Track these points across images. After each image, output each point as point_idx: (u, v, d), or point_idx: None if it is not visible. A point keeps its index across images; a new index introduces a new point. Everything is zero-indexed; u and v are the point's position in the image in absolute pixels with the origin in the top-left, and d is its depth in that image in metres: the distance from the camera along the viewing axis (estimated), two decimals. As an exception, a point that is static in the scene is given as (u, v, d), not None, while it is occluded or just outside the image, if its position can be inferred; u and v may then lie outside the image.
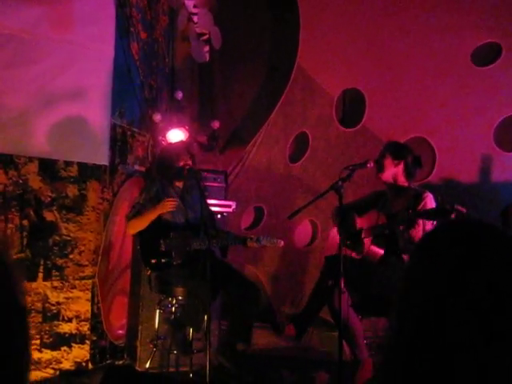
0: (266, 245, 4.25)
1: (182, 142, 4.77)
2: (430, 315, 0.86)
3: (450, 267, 0.87)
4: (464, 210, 3.33)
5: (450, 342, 0.83)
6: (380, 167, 4.04)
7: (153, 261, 4.05)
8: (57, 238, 4.33)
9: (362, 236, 3.96)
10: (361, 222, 4.08)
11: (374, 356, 3.92)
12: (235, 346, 4.04)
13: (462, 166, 5.23)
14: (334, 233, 4.17)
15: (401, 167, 4.04)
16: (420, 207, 3.84)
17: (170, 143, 4.81)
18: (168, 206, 4.02)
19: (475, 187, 5.16)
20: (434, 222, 3.66)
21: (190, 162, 4.17)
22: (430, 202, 3.89)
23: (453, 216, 3.31)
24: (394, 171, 4.04)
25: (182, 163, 4.16)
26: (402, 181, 4.05)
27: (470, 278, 0.85)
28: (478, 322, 0.82)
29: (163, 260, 4.03)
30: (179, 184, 4.27)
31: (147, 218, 4.03)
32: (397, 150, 4.08)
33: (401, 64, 5.38)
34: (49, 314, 4.27)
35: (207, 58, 5.75)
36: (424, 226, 3.70)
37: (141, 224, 4.05)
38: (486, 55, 5.16)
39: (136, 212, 4.07)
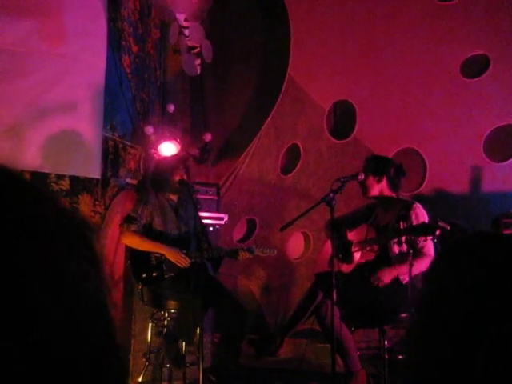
0: (260, 254, 4.22)
1: (177, 155, 4.76)
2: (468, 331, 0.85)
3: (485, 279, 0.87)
4: (447, 227, 3.36)
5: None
6: (364, 189, 4.06)
7: (143, 275, 4.04)
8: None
9: (352, 250, 3.97)
10: (351, 236, 4.09)
11: (366, 367, 3.93)
12: (225, 367, 4.01)
13: (452, 176, 5.26)
14: (326, 249, 4.18)
15: (384, 182, 4.03)
16: (412, 219, 3.85)
17: (165, 156, 4.80)
18: (177, 260, 3.98)
19: (466, 198, 5.19)
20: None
21: (185, 176, 4.17)
22: (419, 211, 3.90)
23: (438, 232, 3.35)
24: (378, 187, 4.04)
25: (177, 177, 4.15)
26: (389, 193, 4.06)
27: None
28: None
29: (154, 274, 4.02)
30: (174, 197, 4.26)
31: (148, 246, 4.02)
32: (376, 166, 4.06)
33: (391, 76, 5.43)
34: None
35: (198, 71, 5.77)
36: (410, 241, 3.74)
37: (139, 245, 4.03)
38: (475, 67, 5.21)
39: (137, 228, 4.03)
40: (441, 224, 3.34)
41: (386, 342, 3.72)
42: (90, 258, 0.64)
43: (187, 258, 3.98)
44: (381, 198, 4.06)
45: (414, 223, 3.80)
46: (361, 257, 3.93)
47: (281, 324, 5.62)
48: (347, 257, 4.00)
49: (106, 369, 0.62)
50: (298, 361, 4.59)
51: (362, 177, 3.90)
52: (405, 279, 3.83)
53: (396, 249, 3.78)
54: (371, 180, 4.03)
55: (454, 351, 0.85)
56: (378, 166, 4.08)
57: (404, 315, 3.81)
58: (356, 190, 4.39)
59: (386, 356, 3.68)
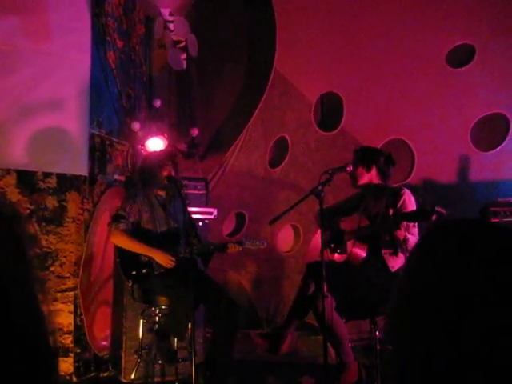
0: (250, 247, 4.21)
1: (165, 150, 4.73)
2: (451, 316, 0.86)
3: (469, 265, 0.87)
4: (444, 212, 3.37)
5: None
6: (353, 179, 4.08)
7: (133, 272, 4.02)
8: (37, 250, 4.28)
9: (345, 238, 3.98)
10: (343, 225, 4.10)
11: (358, 359, 3.94)
12: (219, 361, 4.01)
13: (440, 166, 5.29)
14: (317, 239, 4.18)
15: (374, 171, 4.07)
16: (400, 204, 3.88)
17: (153, 152, 4.77)
18: (165, 262, 3.97)
19: (453, 187, 5.22)
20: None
21: (173, 172, 4.14)
22: (408, 197, 3.93)
23: (433, 217, 3.35)
24: (367, 177, 4.07)
25: (165, 172, 4.13)
26: (378, 182, 4.09)
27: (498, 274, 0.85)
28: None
29: (144, 270, 4.00)
30: (162, 193, 4.24)
31: (137, 247, 3.99)
32: (366, 157, 4.09)
33: (377, 67, 5.43)
34: (31, 328, 4.22)
35: (184, 66, 5.73)
36: (407, 227, 3.74)
37: (128, 246, 4.00)
38: (461, 56, 5.23)
39: (126, 226, 4.00)
40: (438, 209, 3.35)
41: (377, 333, 3.73)
42: (16, 251, 0.67)
43: (174, 259, 3.97)
44: (369, 187, 4.08)
45: (403, 209, 3.83)
46: (353, 247, 3.94)
47: (272, 318, 5.65)
48: (340, 246, 4.01)
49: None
50: (290, 353, 4.60)
51: (350, 168, 3.91)
52: (393, 267, 3.86)
53: (401, 233, 3.77)
54: (360, 170, 4.05)
55: (440, 335, 0.86)
56: (367, 156, 4.10)
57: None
58: (345, 181, 4.40)
59: (378, 347, 3.70)
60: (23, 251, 0.72)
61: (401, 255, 3.84)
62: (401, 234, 3.74)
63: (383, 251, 3.87)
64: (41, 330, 0.69)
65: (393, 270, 3.86)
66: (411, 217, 3.66)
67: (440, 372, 0.84)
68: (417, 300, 0.91)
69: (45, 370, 0.68)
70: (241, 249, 4.17)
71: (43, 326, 0.70)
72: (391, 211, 3.81)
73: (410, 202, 3.90)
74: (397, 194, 3.95)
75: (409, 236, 3.73)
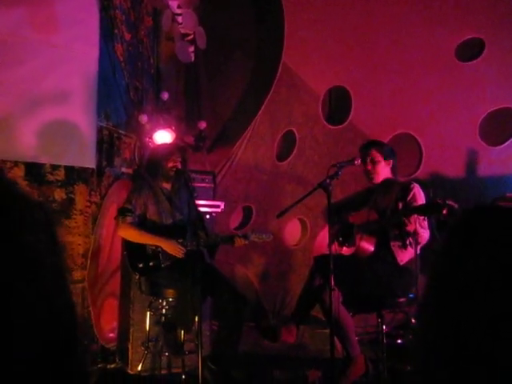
0: (255, 240, 4.21)
1: (173, 143, 4.73)
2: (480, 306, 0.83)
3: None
4: (456, 206, 3.35)
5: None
6: (373, 174, 4.05)
7: (140, 265, 4.03)
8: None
9: (354, 231, 3.98)
10: (352, 219, 4.09)
11: (364, 352, 3.94)
12: (224, 355, 4.02)
13: (448, 160, 5.26)
14: (323, 235, 4.17)
15: (391, 166, 4.08)
16: (409, 198, 3.87)
17: (161, 144, 4.77)
18: (174, 251, 3.98)
19: (462, 181, 5.19)
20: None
21: (179, 165, 4.14)
22: (418, 192, 3.92)
23: (445, 211, 3.33)
24: (386, 172, 4.09)
25: (171, 164, 4.13)
26: (389, 177, 4.09)
27: None
28: None
29: (151, 263, 4.01)
30: (167, 185, 4.25)
31: (145, 239, 4.00)
32: (386, 151, 4.11)
33: (386, 60, 5.40)
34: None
35: (192, 59, 5.73)
36: (417, 220, 3.72)
37: (136, 238, 4.01)
38: (470, 50, 5.20)
39: (133, 219, 4.01)
40: (450, 203, 3.33)
41: (384, 327, 3.73)
42: (51, 240, 0.70)
43: (183, 249, 3.98)
44: (383, 182, 4.08)
45: (412, 203, 3.82)
46: (361, 240, 3.93)
47: (279, 311, 5.65)
48: (349, 239, 4.00)
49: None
50: (297, 347, 4.60)
51: (358, 162, 3.90)
52: (402, 261, 3.85)
53: (412, 227, 3.75)
54: (383, 164, 4.04)
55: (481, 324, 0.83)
56: (387, 150, 4.11)
57: (402, 299, 3.82)
58: (352, 175, 4.38)
59: (384, 340, 3.70)
60: (58, 240, 0.76)
61: (409, 249, 3.82)
62: (411, 227, 3.73)
63: (392, 243, 3.86)
64: (71, 320, 0.71)
65: (401, 264, 3.85)
66: (422, 210, 3.64)
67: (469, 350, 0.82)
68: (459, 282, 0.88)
69: (75, 357, 0.70)
70: (247, 242, 4.18)
71: (73, 317, 0.72)
72: (401, 205, 3.80)
73: (419, 196, 3.89)
74: (407, 189, 3.94)
75: (420, 229, 3.72)
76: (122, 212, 4.04)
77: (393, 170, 4.11)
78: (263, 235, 4.24)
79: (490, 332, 0.80)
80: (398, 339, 4.06)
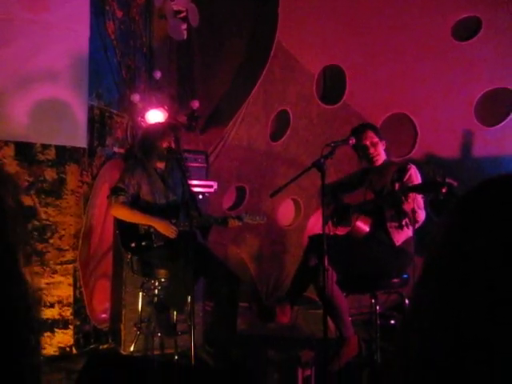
0: (249, 222, 4.20)
1: (167, 122, 4.68)
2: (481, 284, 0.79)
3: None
4: (455, 184, 3.32)
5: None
6: (374, 157, 4.00)
7: (132, 244, 4.00)
8: (36, 222, 4.26)
9: (350, 212, 3.94)
10: (348, 200, 4.06)
11: (358, 333, 3.94)
12: (220, 336, 4.01)
13: (443, 141, 5.22)
14: (317, 215, 4.14)
15: (384, 147, 4.05)
16: (406, 178, 3.83)
17: (154, 123, 4.71)
18: (167, 232, 3.94)
19: (457, 163, 5.15)
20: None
21: (173, 145, 4.09)
22: (414, 172, 3.89)
23: (444, 189, 3.29)
24: (383, 153, 4.06)
25: (165, 144, 4.09)
26: (384, 157, 4.06)
27: None
28: None
29: (143, 243, 3.99)
30: (161, 165, 4.21)
31: (138, 218, 3.97)
32: (379, 132, 4.08)
33: (381, 40, 5.34)
34: (30, 300, 4.21)
35: (185, 36, 5.65)
36: (415, 199, 3.68)
37: (128, 217, 3.98)
38: (467, 29, 5.13)
39: (126, 199, 3.97)
40: (449, 181, 3.29)
41: (377, 307, 3.72)
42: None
43: (176, 229, 3.95)
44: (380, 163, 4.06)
45: (409, 184, 3.78)
46: (357, 220, 3.90)
47: (272, 292, 5.65)
48: (344, 220, 3.97)
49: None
50: (290, 327, 4.60)
51: (353, 141, 3.85)
52: (398, 241, 3.82)
53: (409, 206, 3.72)
54: (381, 147, 4.01)
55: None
56: (379, 131, 4.09)
57: (396, 280, 3.81)
58: (347, 155, 4.34)
59: (378, 321, 3.69)
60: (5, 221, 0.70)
61: (405, 229, 3.80)
62: (409, 206, 3.68)
63: (388, 224, 3.83)
64: (20, 305, 0.65)
65: (397, 244, 3.83)
66: (421, 189, 3.60)
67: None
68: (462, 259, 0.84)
69: (21, 348, 0.64)
70: (241, 224, 4.16)
71: (22, 300, 0.66)
72: (397, 186, 3.76)
73: (416, 177, 3.86)
74: (403, 169, 3.90)
75: (417, 209, 3.68)
76: (115, 191, 4.00)
77: (386, 151, 4.08)
78: (257, 217, 4.22)
79: (489, 317, 0.77)
80: (391, 320, 4.06)
